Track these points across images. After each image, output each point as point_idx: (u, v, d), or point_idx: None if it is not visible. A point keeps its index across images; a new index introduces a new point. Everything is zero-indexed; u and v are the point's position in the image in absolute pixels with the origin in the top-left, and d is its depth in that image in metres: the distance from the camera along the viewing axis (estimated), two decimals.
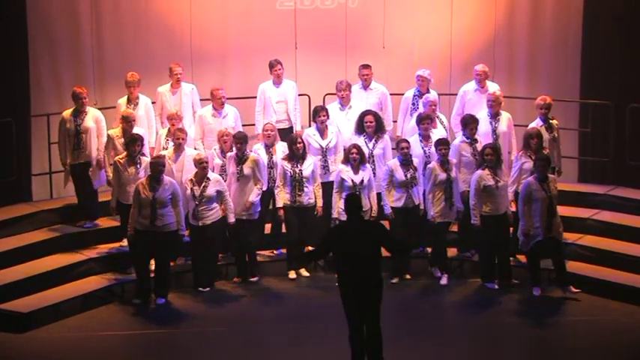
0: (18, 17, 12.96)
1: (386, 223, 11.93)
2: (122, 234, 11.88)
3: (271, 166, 12.48)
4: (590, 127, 13.12)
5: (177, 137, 12.17)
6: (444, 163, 11.61)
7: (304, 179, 12.23)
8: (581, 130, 13.28)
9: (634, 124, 12.96)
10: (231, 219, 12.00)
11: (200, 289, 12.01)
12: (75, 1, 13.69)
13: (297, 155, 12.16)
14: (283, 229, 12.95)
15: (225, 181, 12.17)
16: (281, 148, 12.67)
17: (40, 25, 13.45)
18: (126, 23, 13.94)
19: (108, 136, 12.56)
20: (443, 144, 11.65)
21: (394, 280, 11.96)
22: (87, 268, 12.06)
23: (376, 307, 9.28)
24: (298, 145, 12.19)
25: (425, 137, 12.10)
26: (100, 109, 12.93)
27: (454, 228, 12.47)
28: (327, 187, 12.45)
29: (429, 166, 11.85)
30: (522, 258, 11.80)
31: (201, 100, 13.43)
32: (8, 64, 13.01)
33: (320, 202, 12.47)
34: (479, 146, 11.98)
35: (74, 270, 12.02)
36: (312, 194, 12.40)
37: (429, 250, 12.54)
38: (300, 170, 12.19)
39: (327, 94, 13.53)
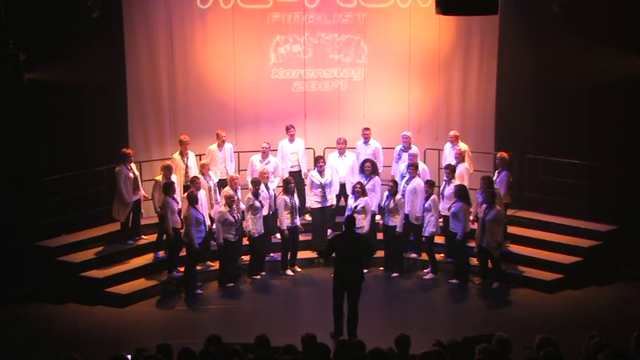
0: (120, 94, 15.32)
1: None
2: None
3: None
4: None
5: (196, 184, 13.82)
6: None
7: (297, 208, 14.27)
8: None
9: (529, 168, 15.43)
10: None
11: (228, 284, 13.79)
12: (157, 79, 15.59)
13: (290, 191, 14.27)
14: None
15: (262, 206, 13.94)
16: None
17: (135, 97, 15.53)
18: (191, 97, 15.82)
19: (156, 180, 13.97)
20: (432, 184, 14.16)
21: (395, 274, 14.15)
22: (161, 267, 14.06)
23: (357, 291, 11.13)
24: (291, 185, 14.30)
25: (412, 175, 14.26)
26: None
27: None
28: (324, 210, 14.79)
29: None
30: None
31: (251, 151, 15.23)
32: (115, 125, 15.37)
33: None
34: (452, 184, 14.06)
35: (153, 266, 14.09)
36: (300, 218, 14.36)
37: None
38: (294, 201, 14.26)
39: (325, 148, 15.68)
